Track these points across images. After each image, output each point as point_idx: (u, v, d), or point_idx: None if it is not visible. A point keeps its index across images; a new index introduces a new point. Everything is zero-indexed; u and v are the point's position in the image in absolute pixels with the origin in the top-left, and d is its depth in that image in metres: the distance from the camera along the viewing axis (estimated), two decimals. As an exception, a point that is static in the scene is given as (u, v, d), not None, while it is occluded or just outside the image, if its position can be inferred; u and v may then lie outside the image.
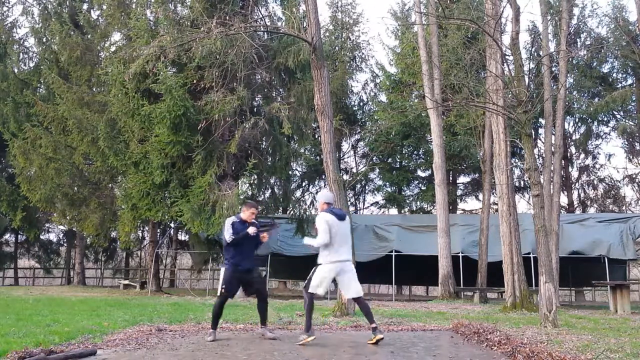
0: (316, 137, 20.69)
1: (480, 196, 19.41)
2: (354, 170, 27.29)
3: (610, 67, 23.79)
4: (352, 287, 5.90)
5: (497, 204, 14.69)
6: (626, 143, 23.70)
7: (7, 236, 24.75)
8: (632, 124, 22.72)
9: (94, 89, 17.82)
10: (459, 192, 25.26)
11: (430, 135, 18.84)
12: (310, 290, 5.86)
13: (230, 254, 6.01)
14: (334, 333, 6.94)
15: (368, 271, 17.76)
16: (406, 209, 25.18)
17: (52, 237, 26.45)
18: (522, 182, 23.77)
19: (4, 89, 19.92)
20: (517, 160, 20.71)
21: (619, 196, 24.73)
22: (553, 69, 18.83)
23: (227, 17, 12.84)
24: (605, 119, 23.84)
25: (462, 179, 25.85)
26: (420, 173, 25.57)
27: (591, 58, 23.07)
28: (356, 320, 8.20)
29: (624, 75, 23.79)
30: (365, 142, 26.52)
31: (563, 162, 22.10)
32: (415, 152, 25.42)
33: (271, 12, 16.96)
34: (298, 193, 24.46)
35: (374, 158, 24.86)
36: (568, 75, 19.33)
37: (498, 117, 11.41)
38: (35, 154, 17.15)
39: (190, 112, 13.37)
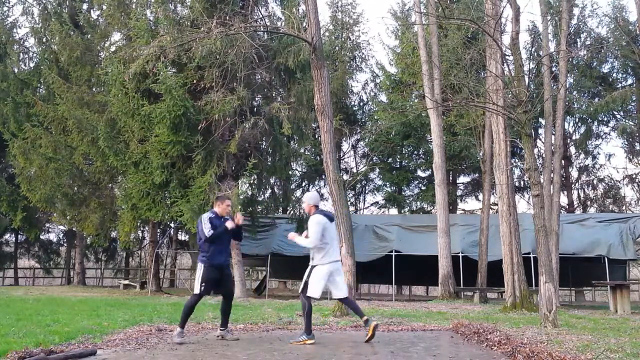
0: (316, 137, 20.69)
1: (480, 196, 19.41)
2: (354, 170, 27.28)
3: (610, 67, 23.79)
4: (342, 287, 6.02)
5: (497, 204, 14.68)
6: (626, 143, 23.69)
7: (7, 236, 24.75)
8: (632, 124, 22.72)
9: (94, 89, 17.83)
10: (459, 192, 25.26)
11: (430, 135, 18.83)
12: (309, 294, 5.87)
13: (207, 250, 5.90)
14: (334, 333, 6.94)
15: (368, 271, 17.80)
16: (406, 209, 25.17)
17: (52, 237, 26.49)
18: (522, 182, 23.76)
19: (4, 89, 19.92)
20: (517, 160, 20.70)
21: (619, 196, 24.73)
22: (553, 69, 18.83)
23: (227, 17, 12.83)
24: (605, 119, 23.82)
25: (462, 179, 25.87)
26: (420, 173, 25.57)
27: (591, 58, 23.06)
28: (356, 320, 8.20)
29: (624, 75, 23.79)
30: (365, 142, 26.51)
31: (563, 162, 22.10)
32: (415, 152, 25.42)
33: (271, 12, 16.96)
34: (298, 193, 24.44)
35: (374, 158, 24.86)
36: (568, 75, 19.33)
37: (498, 117, 11.41)
38: (35, 154, 17.15)
39: (190, 112, 13.37)
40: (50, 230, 25.57)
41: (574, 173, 24.86)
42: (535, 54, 21.61)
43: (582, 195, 25.09)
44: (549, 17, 17.70)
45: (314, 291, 5.86)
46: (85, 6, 20.31)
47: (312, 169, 23.71)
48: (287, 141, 16.53)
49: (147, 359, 4.84)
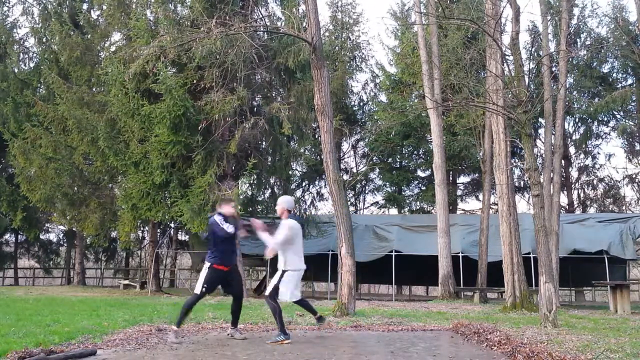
0: (316, 137, 20.68)
1: (480, 196, 19.41)
2: (354, 170, 27.28)
3: (610, 67, 23.78)
4: (299, 290, 6.24)
5: (497, 204, 14.68)
6: (626, 143, 23.69)
7: (7, 236, 24.74)
8: (632, 124, 22.72)
9: (94, 89, 17.82)
10: (459, 192, 25.26)
11: (430, 135, 18.83)
12: (280, 298, 5.95)
13: (220, 250, 5.95)
14: (334, 333, 6.94)
15: (368, 271, 17.82)
16: (406, 209, 25.17)
17: (52, 237, 26.48)
18: (522, 182, 23.75)
19: (4, 89, 19.92)
20: (517, 160, 20.69)
21: (618, 196, 24.73)
22: (553, 69, 18.82)
23: (227, 17, 12.83)
24: (605, 119, 23.82)
25: (462, 179, 25.88)
26: (420, 173, 25.57)
27: (591, 58, 23.05)
28: (356, 320, 8.21)
29: (624, 75, 23.78)
30: (365, 142, 26.52)
31: (563, 162, 22.10)
32: (415, 152, 25.42)
33: (271, 12, 16.96)
34: (298, 193, 24.46)
35: (374, 158, 24.85)
36: (568, 75, 19.33)
37: (498, 117, 11.41)
38: (35, 154, 17.16)
39: (190, 112, 13.37)
40: (50, 230, 25.59)
41: (574, 173, 24.86)
42: (535, 54, 21.60)
43: (582, 195, 25.10)
44: (549, 17, 17.69)
45: (285, 295, 5.97)
46: (85, 6, 20.30)
47: (312, 169, 23.69)
48: (287, 141, 16.53)
49: (147, 359, 4.84)
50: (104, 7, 16.84)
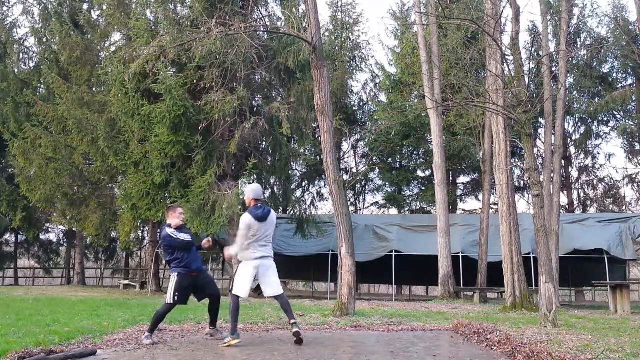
0: (316, 137, 20.68)
1: (480, 196, 19.41)
2: (354, 170, 27.29)
3: (610, 67, 23.79)
4: (271, 285, 5.76)
5: (497, 204, 14.68)
6: (626, 143, 23.70)
7: (7, 236, 24.75)
8: (632, 124, 22.72)
9: (94, 89, 17.82)
10: (459, 192, 25.26)
11: (430, 135, 18.83)
12: (234, 292, 5.71)
13: (182, 258, 5.86)
14: (334, 333, 6.94)
15: (368, 271, 17.84)
16: (406, 209, 25.18)
17: (52, 237, 26.50)
18: (522, 182, 23.76)
19: (4, 89, 19.92)
20: (517, 160, 20.70)
21: (618, 196, 24.73)
22: (553, 69, 18.82)
23: (227, 17, 12.82)
24: (605, 119, 23.83)
25: (462, 179, 25.89)
26: (420, 173, 25.57)
27: (591, 58, 23.06)
28: (356, 320, 8.20)
29: (624, 75, 23.79)
30: (365, 142, 26.51)
31: (563, 162, 22.10)
32: (415, 152, 25.42)
33: (271, 12, 16.95)
34: (298, 193, 24.44)
35: (374, 158, 24.86)
36: (568, 75, 19.33)
37: (498, 117, 11.41)
38: (35, 154, 17.15)
39: (190, 112, 13.36)
40: (50, 230, 25.59)
41: (574, 173, 24.87)
42: (535, 54, 21.59)
43: (582, 195, 25.11)
44: (549, 17, 17.69)
45: (239, 289, 5.69)
46: (85, 6, 20.31)
47: (312, 169, 23.67)
48: (287, 141, 16.51)
49: (147, 359, 4.84)
50: (104, 7, 16.83)
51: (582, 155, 24.86)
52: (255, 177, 15.97)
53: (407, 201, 25.45)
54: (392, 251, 16.43)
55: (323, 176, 20.94)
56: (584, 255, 15.55)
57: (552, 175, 14.73)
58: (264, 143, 16.10)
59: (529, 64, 19.13)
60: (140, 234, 24.45)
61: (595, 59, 23.21)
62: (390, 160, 25.62)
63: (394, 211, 26.03)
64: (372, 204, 27.81)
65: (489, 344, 5.69)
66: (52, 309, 9.66)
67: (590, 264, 16.40)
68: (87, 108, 16.13)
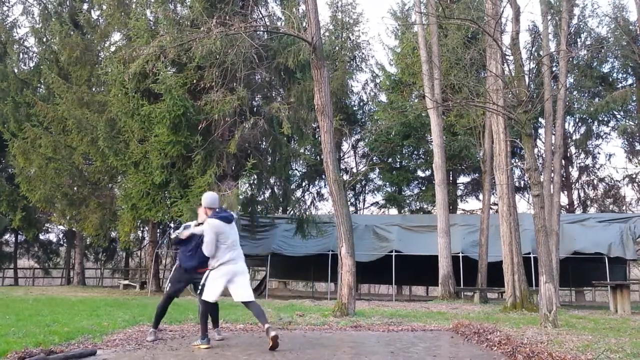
0: (316, 137, 20.69)
1: (480, 196, 19.42)
2: (354, 170, 27.28)
3: (610, 67, 23.78)
4: (242, 291, 5.51)
5: (497, 204, 14.68)
6: (626, 143, 23.69)
7: (7, 236, 24.75)
8: (632, 124, 22.72)
9: (94, 89, 17.83)
10: (459, 192, 25.26)
11: (430, 135, 18.83)
12: (203, 298, 5.56)
13: (179, 254, 6.16)
14: (334, 333, 6.93)
15: (368, 271, 17.82)
16: (406, 209, 25.18)
17: (52, 237, 26.48)
18: (522, 182, 23.76)
19: (4, 89, 19.93)
20: (517, 160, 20.69)
21: (619, 196, 24.73)
22: (553, 69, 18.82)
23: (227, 17, 12.80)
24: (605, 119, 23.83)
25: (462, 179, 25.88)
26: (420, 173, 25.57)
27: (591, 58, 23.06)
28: (356, 321, 8.20)
29: (624, 75, 23.79)
30: (365, 142, 26.51)
31: (563, 162, 22.09)
32: (415, 152, 25.42)
33: (271, 12, 16.96)
34: (298, 193, 24.47)
35: (374, 158, 24.86)
36: (568, 75, 19.32)
37: (498, 117, 11.40)
38: (35, 154, 17.15)
39: (190, 112, 13.37)
40: (49, 230, 25.58)
41: (574, 173, 24.87)
42: (535, 54, 21.59)
43: (582, 195, 25.10)
44: (549, 17, 17.67)
45: (208, 294, 5.50)
46: (85, 6, 20.30)
47: (312, 169, 23.70)
48: (287, 141, 16.52)
49: (147, 359, 4.83)
50: (104, 7, 16.85)
51: (582, 155, 24.87)
52: (255, 177, 15.99)
53: (407, 201, 25.45)
54: (392, 251, 16.42)
55: (323, 176, 20.96)
56: (584, 255, 15.54)
57: (552, 175, 14.73)
58: (263, 143, 16.11)
59: (529, 63, 19.13)
60: (140, 234, 24.42)
61: (595, 59, 23.21)
62: (390, 160, 25.62)
63: (394, 211, 26.03)
64: (372, 204, 27.84)
65: (489, 344, 5.69)
66: (51, 309, 9.66)
67: (591, 264, 16.39)
68: (87, 108, 16.14)
